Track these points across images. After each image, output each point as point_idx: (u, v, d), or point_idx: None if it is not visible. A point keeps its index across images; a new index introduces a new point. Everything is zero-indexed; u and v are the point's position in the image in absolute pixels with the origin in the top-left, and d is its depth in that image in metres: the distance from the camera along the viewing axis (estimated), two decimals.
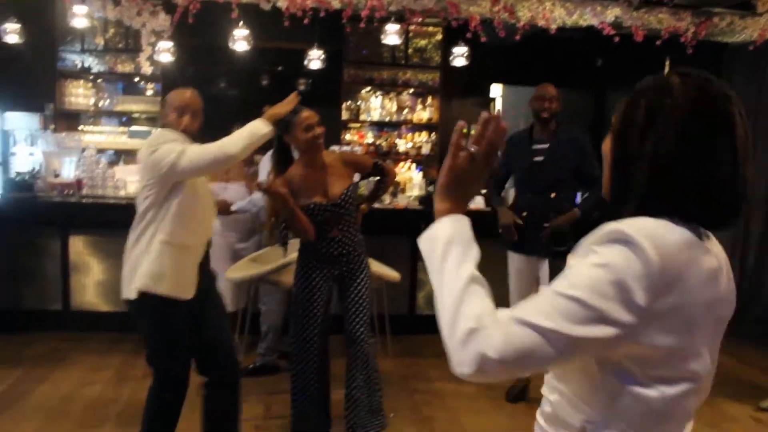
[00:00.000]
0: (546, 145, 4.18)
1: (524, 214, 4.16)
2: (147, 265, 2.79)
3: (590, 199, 4.24)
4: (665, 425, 1.13)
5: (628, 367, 1.08)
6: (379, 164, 3.52)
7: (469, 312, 1.03)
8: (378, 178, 3.59)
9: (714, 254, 1.12)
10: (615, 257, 1.02)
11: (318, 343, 3.21)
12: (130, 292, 2.84)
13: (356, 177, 3.44)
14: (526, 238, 4.16)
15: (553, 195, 4.13)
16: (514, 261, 4.28)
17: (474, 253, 1.11)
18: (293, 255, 3.38)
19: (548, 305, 1.01)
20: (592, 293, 1.00)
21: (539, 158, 4.16)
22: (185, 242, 2.87)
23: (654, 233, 1.05)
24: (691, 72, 1.15)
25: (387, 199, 5.92)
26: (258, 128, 2.89)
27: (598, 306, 1.00)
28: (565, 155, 4.15)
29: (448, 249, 1.10)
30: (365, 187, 5.51)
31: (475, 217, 4.47)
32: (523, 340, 0.99)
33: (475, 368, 1.00)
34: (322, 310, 3.22)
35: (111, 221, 5.27)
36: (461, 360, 1.01)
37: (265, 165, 4.48)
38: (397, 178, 7.50)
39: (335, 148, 6.06)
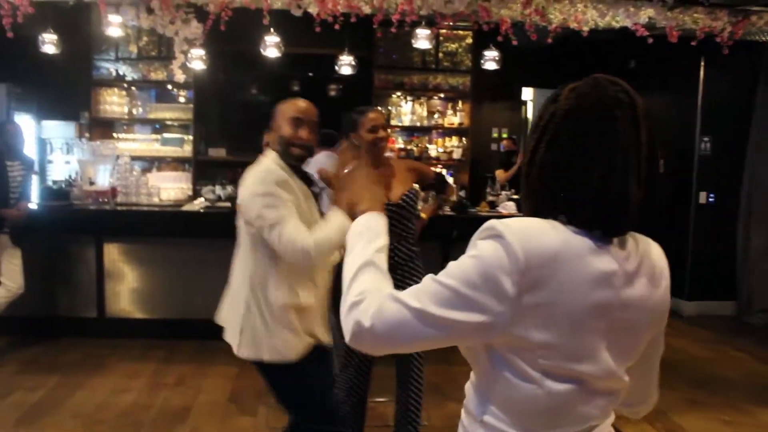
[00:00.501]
0: None
1: None
2: (274, 334, 2.46)
3: None
4: (557, 421, 1.15)
5: (511, 357, 1.12)
6: (442, 177, 3.45)
7: (357, 288, 1.15)
8: (436, 191, 3.52)
9: (615, 258, 1.13)
10: (486, 250, 1.09)
11: (363, 355, 3.19)
12: (256, 353, 2.49)
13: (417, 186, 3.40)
14: None
15: None
16: None
17: (379, 242, 1.25)
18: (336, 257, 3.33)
19: (423, 289, 1.10)
20: (461, 281, 1.08)
21: None
22: (310, 300, 2.54)
23: (526, 232, 1.09)
24: (593, 79, 1.18)
25: (419, 204, 5.87)
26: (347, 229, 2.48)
27: (466, 293, 1.07)
28: None
29: (357, 239, 1.27)
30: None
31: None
32: (393, 314, 1.08)
33: (352, 335, 1.11)
34: None
35: (145, 228, 5.34)
36: (344, 328, 1.13)
37: (320, 160, 4.38)
38: None
39: None
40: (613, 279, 1.11)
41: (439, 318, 1.07)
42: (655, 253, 1.21)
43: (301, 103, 2.62)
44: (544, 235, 1.10)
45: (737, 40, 5.81)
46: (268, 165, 2.52)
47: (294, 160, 2.56)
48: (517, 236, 1.08)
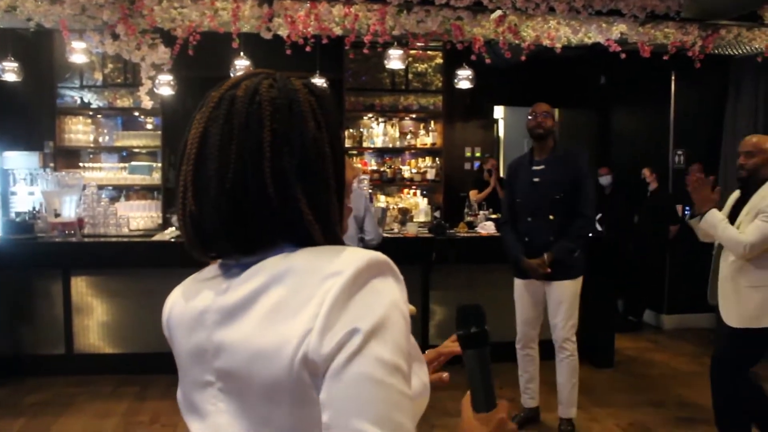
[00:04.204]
0: (543, 166, 4.00)
1: (526, 239, 3.98)
2: None
3: (570, 235, 3.90)
4: None
5: None
6: None
7: None
8: None
9: (214, 290, 0.92)
10: None
11: None
12: None
13: None
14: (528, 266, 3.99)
15: (551, 217, 3.91)
16: (518, 286, 4.14)
17: None
18: None
19: None
20: None
21: (537, 179, 3.98)
22: None
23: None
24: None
25: (396, 227, 5.78)
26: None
27: None
28: (561, 173, 3.94)
29: None
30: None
31: (486, 242, 4.29)
32: None
33: None
34: None
35: (114, 260, 5.15)
36: None
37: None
38: (404, 205, 7.39)
39: None
40: (205, 317, 0.91)
41: None
42: (306, 276, 0.83)
43: None
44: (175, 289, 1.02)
45: (707, 54, 5.85)
46: None
47: None
48: None
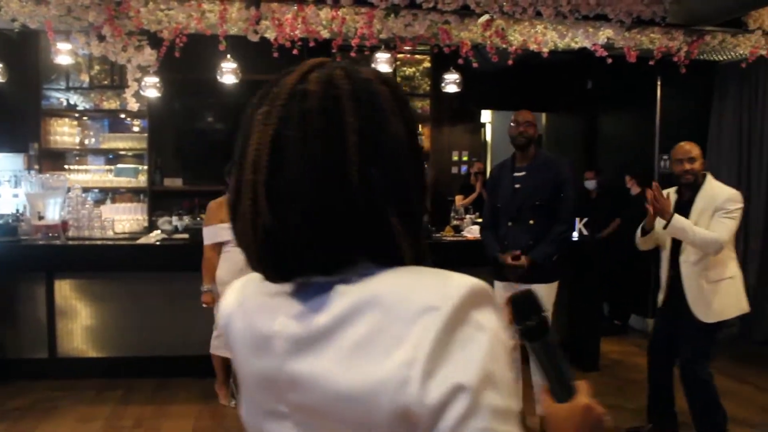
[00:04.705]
0: (524, 173, 4.10)
1: (506, 243, 4.06)
2: None
3: (549, 240, 3.98)
4: None
5: None
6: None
7: None
8: None
9: (286, 314, 0.82)
10: None
11: None
12: None
13: None
14: (506, 266, 4.05)
15: (531, 222, 4.00)
16: (497, 289, 4.14)
17: None
18: None
19: None
20: None
21: (518, 185, 4.09)
22: None
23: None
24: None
25: None
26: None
27: None
28: (541, 180, 4.03)
29: None
30: None
31: (472, 246, 4.30)
32: None
33: None
34: None
35: (98, 263, 5.11)
36: None
37: None
38: None
39: None
40: (274, 342, 0.82)
41: None
42: (396, 308, 0.74)
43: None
44: (230, 290, 0.94)
45: (692, 60, 5.89)
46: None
47: None
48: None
